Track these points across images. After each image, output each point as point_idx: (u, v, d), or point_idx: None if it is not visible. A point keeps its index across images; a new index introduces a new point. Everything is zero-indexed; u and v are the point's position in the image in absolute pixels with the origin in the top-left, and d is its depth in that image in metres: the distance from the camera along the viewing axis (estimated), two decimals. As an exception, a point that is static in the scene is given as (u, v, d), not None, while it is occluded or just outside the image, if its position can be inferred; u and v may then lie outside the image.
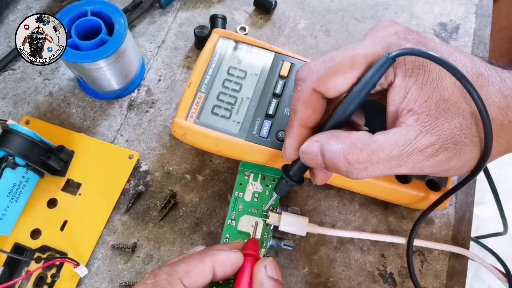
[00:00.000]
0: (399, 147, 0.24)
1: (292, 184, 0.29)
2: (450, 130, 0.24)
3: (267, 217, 0.33)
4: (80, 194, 0.37)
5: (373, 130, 0.26)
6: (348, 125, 0.28)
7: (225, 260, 0.27)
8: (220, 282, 0.28)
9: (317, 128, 0.28)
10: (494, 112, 0.25)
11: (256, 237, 0.32)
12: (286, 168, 0.30)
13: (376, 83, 0.25)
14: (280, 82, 0.36)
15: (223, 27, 0.44)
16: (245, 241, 0.31)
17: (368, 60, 0.25)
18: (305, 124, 0.27)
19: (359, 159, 0.24)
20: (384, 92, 0.26)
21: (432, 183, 0.33)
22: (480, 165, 0.26)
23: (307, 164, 0.27)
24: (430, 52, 0.24)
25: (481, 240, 0.46)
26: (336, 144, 0.25)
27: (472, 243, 0.37)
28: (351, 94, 0.26)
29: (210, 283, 0.27)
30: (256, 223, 0.33)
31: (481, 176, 0.35)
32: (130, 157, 0.38)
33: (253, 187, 0.34)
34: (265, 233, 0.33)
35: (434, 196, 0.33)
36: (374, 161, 0.24)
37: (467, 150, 0.25)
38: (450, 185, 0.34)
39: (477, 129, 0.25)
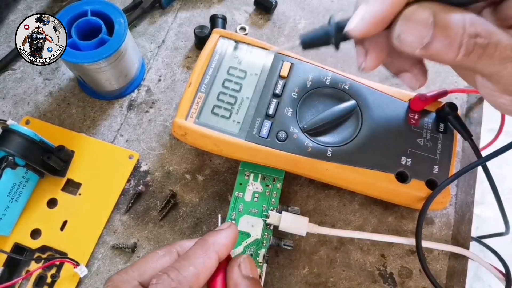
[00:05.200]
0: None
1: (335, 36, 0.24)
2: None
3: (267, 217, 0.33)
4: (80, 194, 0.37)
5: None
6: None
7: (227, 243, 0.25)
8: None
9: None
10: None
11: (256, 236, 0.32)
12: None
13: None
14: (280, 82, 0.36)
15: (223, 27, 0.44)
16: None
17: None
18: None
19: (483, 33, 0.21)
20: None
21: (432, 183, 0.33)
22: None
23: (405, 36, 0.22)
24: None
25: (482, 240, 0.46)
26: (456, 14, 0.21)
27: (472, 243, 0.37)
28: None
29: None
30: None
31: (481, 176, 0.35)
32: (130, 157, 0.38)
33: (253, 187, 0.34)
34: (265, 233, 0.33)
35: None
36: (495, 41, 0.21)
37: None
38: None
39: None
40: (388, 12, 0.22)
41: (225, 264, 0.26)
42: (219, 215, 0.29)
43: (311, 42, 0.25)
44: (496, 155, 0.30)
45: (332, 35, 0.24)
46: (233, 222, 0.27)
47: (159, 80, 0.42)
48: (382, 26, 0.23)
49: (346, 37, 0.24)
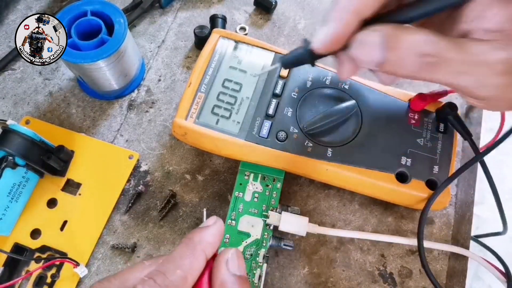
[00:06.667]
0: (469, 54, 0.22)
1: (308, 56, 0.26)
2: None
3: (267, 217, 0.33)
4: (80, 194, 0.37)
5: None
6: None
7: (213, 241, 0.24)
8: None
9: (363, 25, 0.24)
10: None
11: (256, 236, 0.32)
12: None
13: None
14: (280, 82, 0.36)
15: (223, 27, 0.44)
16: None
17: None
18: (359, 11, 0.23)
19: (432, 52, 0.22)
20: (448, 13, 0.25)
21: (432, 183, 0.33)
22: None
23: (359, 57, 0.24)
24: None
25: (481, 240, 0.46)
26: (406, 35, 0.22)
27: (472, 243, 0.37)
28: None
29: None
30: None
31: (481, 176, 0.35)
32: (130, 157, 0.38)
33: (253, 187, 0.34)
34: (265, 233, 0.33)
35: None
36: (445, 58, 0.22)
37: None
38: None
39: None
40: (342, 33, 0.24)
41: (211, 260, 0.24)
42: (204, 209, 0.28)
43: (290, 63, 0.28)
44: (495, 146, 0.30)
45: (306, 54, 0.26)
46: (219, 218, 0.25)
47: (159, 80, 0.42)
48: (340, 44, 0.24)
49: (317, 56, 0.26)
